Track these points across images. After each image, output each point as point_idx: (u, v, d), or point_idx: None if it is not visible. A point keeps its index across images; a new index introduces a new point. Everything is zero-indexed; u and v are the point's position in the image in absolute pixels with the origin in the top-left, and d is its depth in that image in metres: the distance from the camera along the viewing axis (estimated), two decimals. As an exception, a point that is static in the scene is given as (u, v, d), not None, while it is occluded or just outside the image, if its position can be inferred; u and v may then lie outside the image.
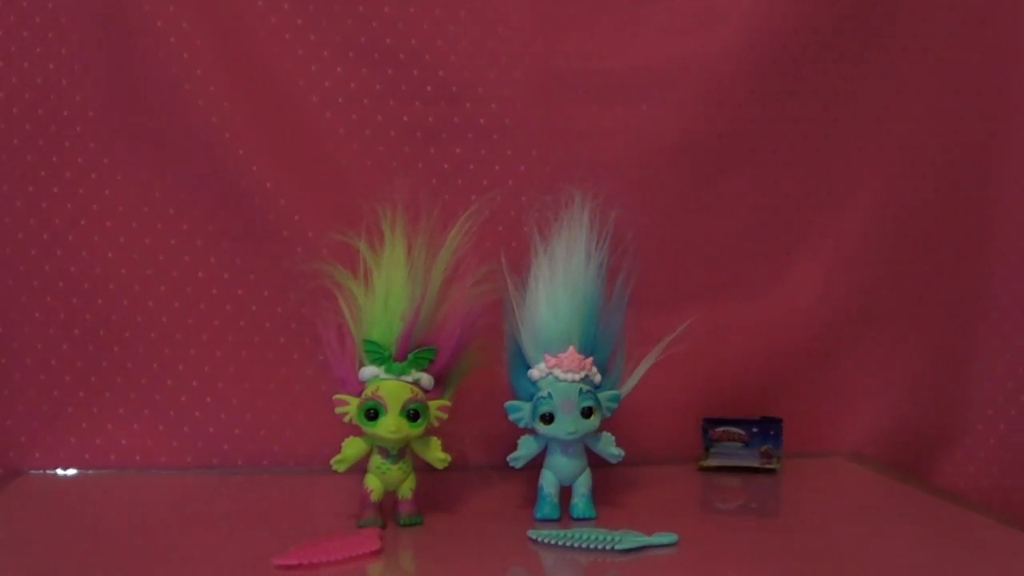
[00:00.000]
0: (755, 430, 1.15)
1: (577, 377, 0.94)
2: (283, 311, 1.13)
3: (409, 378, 0.93)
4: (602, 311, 0.97)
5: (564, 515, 0.96)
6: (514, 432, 0.95)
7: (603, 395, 0.95)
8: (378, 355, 0.93)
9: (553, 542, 0.88)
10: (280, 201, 1.11)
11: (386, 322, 0.94)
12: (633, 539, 0.87)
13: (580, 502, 0.96)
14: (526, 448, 0.95)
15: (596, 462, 0.97)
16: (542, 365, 0.94)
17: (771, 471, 1.13)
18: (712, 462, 1.15)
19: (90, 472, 1.13)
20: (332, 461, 0.92)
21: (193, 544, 0.90)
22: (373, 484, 0.94)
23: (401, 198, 0.97)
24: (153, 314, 1.13)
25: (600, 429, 0.95)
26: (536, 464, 0.96)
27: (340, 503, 0.99)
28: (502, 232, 1.11)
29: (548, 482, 0.96)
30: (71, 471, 1.13)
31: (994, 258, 1.23)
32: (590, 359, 0.95)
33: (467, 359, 0.99)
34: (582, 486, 0.96)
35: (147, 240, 1.13)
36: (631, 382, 0.99)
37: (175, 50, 1.09)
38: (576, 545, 0.87)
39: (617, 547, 0.86)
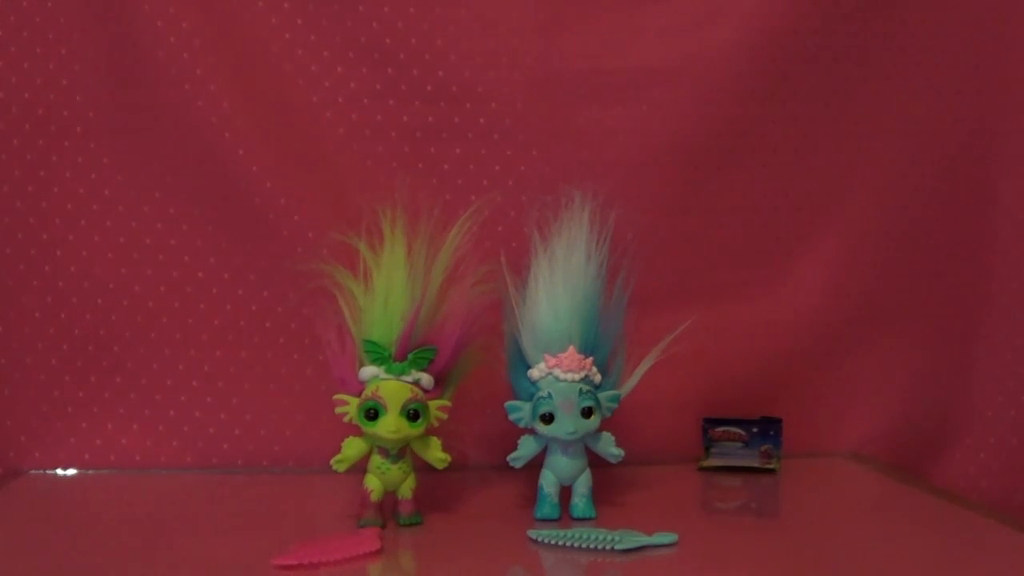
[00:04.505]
0: (755, 430, 1.15)
1: (577, 377, 0.94)
2: (283, 311, 1.13)
3: (409, 378, 0.93)
4: (602, 311, 0.98)
5: (564, 515, 0.96)
6: (514, 432, 0.95)
7: (603, 395, 0.95)
8: (378, 355, 0.93)
9: (553, 542, 0.88)
10: (280, 201, 1.11)
11: (386, 322, 0.94)
12: (633, 539, 0.87)
13: (580, 502, 0.96)
14: (526, 448, 0.95)
15: (596, 462, 0.97)
16: (542, 365, 0.94)
17: (771, 471, 1.13)
18: (712, 462, 1.15)
19: (90, 472, 1.13)
20: (332, 461, 0.92)
21: (193, 544, 0.90)
22: (373, 484, 0.94)
23: (401, 198, 0.97)
24: (153, 314, 1.13)
25: (600, 429, 0.95)
26: (536, 464, 0.96)
27: (340, 503, 0.99)
28: (502, 232, 1.12)
29: (548, 482, 0.96)
30: (71, 471, 1.13)
31: (994, 258, 1.23)
32: (590, 359, 0.95)
33: (467, 359, 0.99)
34: (582, 486, 0.96)
35: (147, 240, 1.13)
36: (631, 382, 0.99)
37: (175, 50, 1.09)
38: (576, 545, 0.87)
39: (617, 547, 0.86)
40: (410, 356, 0.93)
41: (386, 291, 0.94)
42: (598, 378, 0.96)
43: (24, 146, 1.12)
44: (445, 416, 0.95)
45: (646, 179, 1.16)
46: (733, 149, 1.17)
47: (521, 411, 0.94)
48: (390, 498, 0.95)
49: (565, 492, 0.96)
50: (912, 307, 1.22)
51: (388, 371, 0.93)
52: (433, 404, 0.94)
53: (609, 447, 0.96)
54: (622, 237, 1.00)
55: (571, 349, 0.94)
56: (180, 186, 1.13)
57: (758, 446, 1.15)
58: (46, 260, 1.13)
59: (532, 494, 0.97)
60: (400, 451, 0.94)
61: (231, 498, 1.06)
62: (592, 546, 0.87)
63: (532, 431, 0.95)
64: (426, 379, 0.94)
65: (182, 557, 0.86)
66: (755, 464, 1.14)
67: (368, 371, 0.93)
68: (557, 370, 0.94)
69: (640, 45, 1.15)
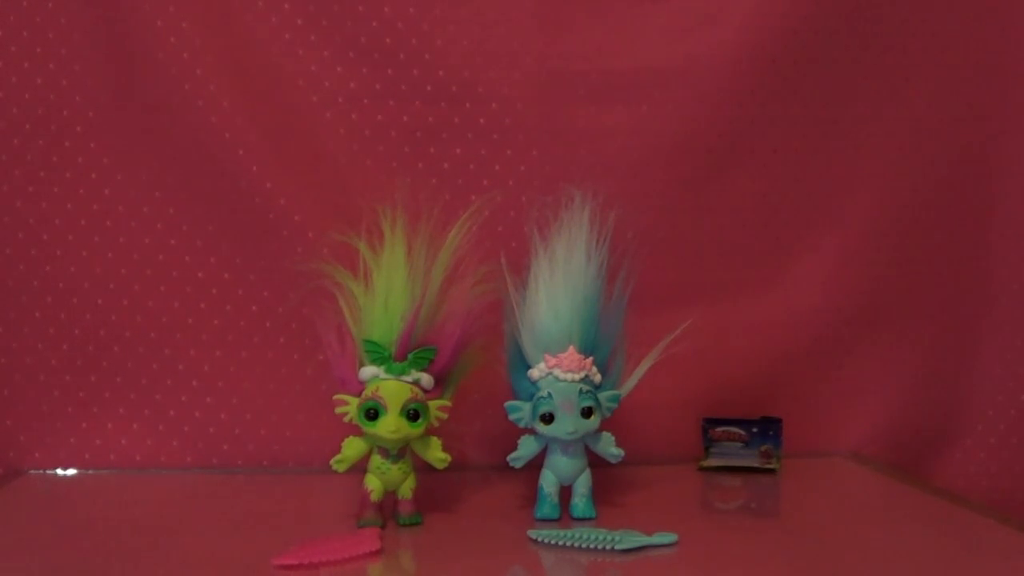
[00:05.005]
0: (755, 430, 1.15)
1: (577, 377, 0.94)
2: (283, 311, 1.13)
3: (409, 378, 0.93)
4: (602, 311, 0.98)
5: (564, 515, 0.96)
6: (514, 432, 0.95)
7: (603, 395, 0.95)
8: (378, 355, 0.93)
9: (553, 542, 0.88)
10: (280, 201, 1.11)
11: (386, 322, 0.94)
12: (633, 539, 0.87)
13: (580, 502, 0.96)
14: (526, 448, 0.95)
15: (596, 462, 0.97)
16: (542, 365, 0.94)
17: (771, 471, 1.13)
18: (712, 462, 1.15)
19: (90, 472, 1.13)
20: (332, 461, 0.92)
21: (193, 544, 0.90)
22: (373, 484, 0.94)
23: (401, 198, 0.97)
24: (153, 314, 1.13)
25: (600, 429, 0.95)
26: (536, 464, 0.96)
27: (340, 503, 1.00)
28: (502, 232, 1.12)
29: (548, 482, 0.96)
30: (71, 471, 1.13)
31: (994, 258, 1.23)
32: (590, 359, 0.95)
33: (467, 359, 0.99)
34: (582, 486, 0.96)
35: (147, 240, 1.13)
36: (631, 382, 0.99)
37: (175, 50, 1.09)
38: (576, 545, 0.87)
39: (617, 547, 0.86)
40: (410, 356, 0.93)
41: (386, 291, 0.94)
42: (598, 378, 0.96)
43: (24, 146, 1.12)
44: (445, 416, 0.95)
45: (646, 179, 1.16)
46: (733, 149, 1.17)
47: (521, 411, 0.94)
48: (390, 498, 0.95)
49: (565, 492, 0.96)
50: (912, 307, 1.22)
51: (388, 371, 0.93)
52: (433, 404, 0.94)
53: (609, 447, 0.96)
54: (622, 237, 1.00)
55: (571, 349, 0.94)
56: (180, 186, 1.13)
57: (758, 446, 1.15)
58: (46, 260, 1.13)
59: (532, 494, 0.97)
60: (400, 451, 0.94)
61: (231, 498, 1.06)
62: (592, 546, 0.87)
63: (532, 431, 0.95)
64: (426, 379, 0.94)
65: (182, 557, 0.86)
66: (755, 464, 1.14)
67: (368, 371, 0.93)
68: (557, 370, 0.94)
69: (640, 45, 1.15)
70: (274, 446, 1.14)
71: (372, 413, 0.91)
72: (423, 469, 0.96)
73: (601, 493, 0.97)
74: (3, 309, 1.12)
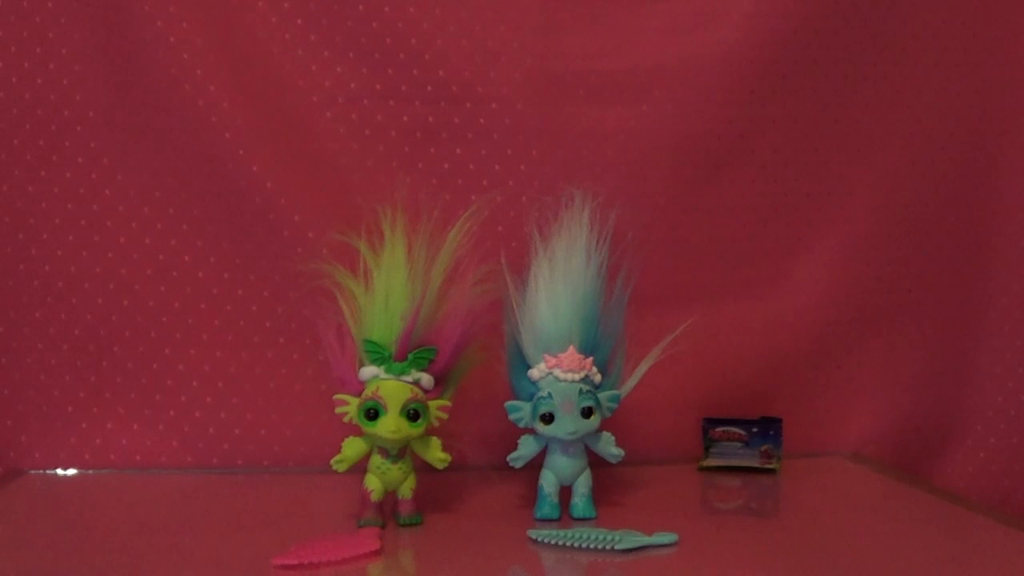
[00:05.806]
0: (755, 430, 1.15)
1: (577, 377, 0.94)
2: (283, 311, 1.13)
3: (409, 378, 0.93)
4: (602, 311, 0.98)
5: (564, 515, 0.96)
6: (514, 432, 0.95)
7: (603, 395, 0.95)
8: (378, 355, 0.93)
9: (553, 542, 0.88)
10: (280, 201, 1.11)
11: (386, 322, 0.94)
12: (633, 539, 0.87)
13: (580, 502, 0.96)
14: (526, 448, 0.95)
15: (596, 462, 0.97)
16: (542, 365, 0.94)
17: (771, 471, 1.13)
18: (712, 462, 1.15)
19: (90, 472, 1.13)
20: (332, 461, 0.92)
21: (193, 544, 0.90)
22: (373, 484, 0.94)
23: (401, 198, 0.97)
24: (153, 314, 1.13)
25: (600, 429, 0.95)
26: (536, 464, 0.96)
27: (340, 503, 1.00)
28: (502, 232, 1.12)
29: (548, 482, 0.96)
30: (71, 471, 1.13)
31: (994, 258, 1.23)
32: (590, 359, 0.95)
33: (467, 359, 0.99)
34: (582, 486, 0.96)
35: (147, 240, 1.13)
36: (631, 382, 0.99)
37: (175, 50, 1.09)
38: (576, 545, 0.87)
39: (617, 547, 0.86)
40: (410, 356, 0.93)
41: (386, 291, 0.94)
42: (598, 378, 0.96)
43: (24, 146, 1.12)
44: (445, 416, 0.95)
45: (646, 179, 1.16)
46: (733, 149, 1.17)
47: (521, 411, 0.94)
48: (390, 498, 0.95)
49: (565, 492, 0.96)
50: (912, 307, 1.22)
51: (388, 371, 0.93)
52: (433, 404, 0.94)
53: (609, 447, 0.96)
54: (622, 237, 1.00)
55: (571, 349, 0.94)
56: (180, 186, 1.13)
57: (758, 446, 1.15)
58: (46, 260, 1.13)
59: (532, 494, 0.97)
60: (400, 451, 0.94)
61: (231, 498, 1.06)
62: (592, 546, 0.87)
63: (532, 431, 0.95)
64: (426, 379, 0.94)
65: (182, 557, 0.86)
66: (755, 464, 1.14)
67: (368, 371, 0.93)
68: (557, 370, 0.94)
69: (640, 45, 1.15)
70: (274, 446, 1.14)
71: (372, 413, 0.91)
72: (423, 469, 0.96)
73: (601, 493, 0.97)
74: (3, 309, 1.12)
